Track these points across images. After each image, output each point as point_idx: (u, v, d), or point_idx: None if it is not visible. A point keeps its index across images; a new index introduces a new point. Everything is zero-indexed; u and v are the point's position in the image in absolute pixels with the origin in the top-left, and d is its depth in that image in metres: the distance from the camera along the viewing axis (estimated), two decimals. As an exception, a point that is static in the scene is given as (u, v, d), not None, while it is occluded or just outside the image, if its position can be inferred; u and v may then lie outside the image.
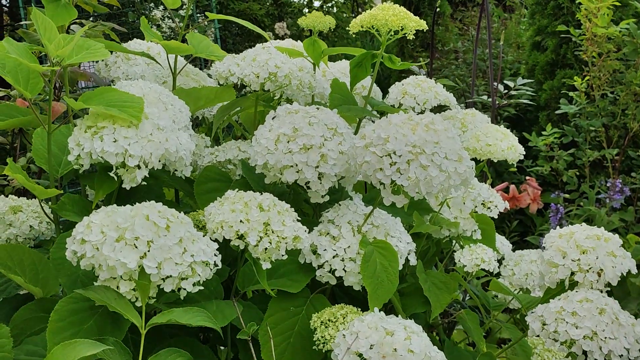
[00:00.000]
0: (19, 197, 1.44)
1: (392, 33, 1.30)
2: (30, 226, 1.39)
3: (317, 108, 1.21)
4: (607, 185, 2.89)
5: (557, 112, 3.41)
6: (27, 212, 1.40)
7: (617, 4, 2.95)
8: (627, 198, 2.95)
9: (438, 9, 4.46)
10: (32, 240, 1.41)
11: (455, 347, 1.42)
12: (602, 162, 3.31)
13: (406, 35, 1.29)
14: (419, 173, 1.01)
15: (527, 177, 3.27)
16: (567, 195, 3.19)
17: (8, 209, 1.39)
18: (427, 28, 1.29)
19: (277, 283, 1.17)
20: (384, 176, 1.03)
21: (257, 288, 1.18)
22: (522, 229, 3.59)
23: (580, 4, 3.07)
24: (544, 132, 3.29)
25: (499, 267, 1.46)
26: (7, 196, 1.43)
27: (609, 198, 2.84)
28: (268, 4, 9.14)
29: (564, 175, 3.26)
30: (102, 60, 1.56)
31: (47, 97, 1.89)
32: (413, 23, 1.28)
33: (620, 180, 2.87)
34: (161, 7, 4.60)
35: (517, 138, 1.47)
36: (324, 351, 1.07)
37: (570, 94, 3.22)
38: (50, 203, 1.24)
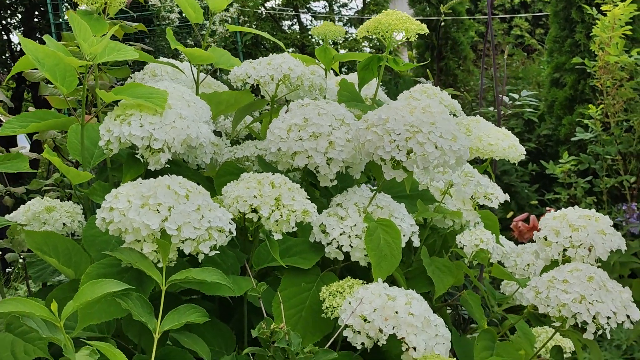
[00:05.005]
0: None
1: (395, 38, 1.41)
2: (64, 224, 1.49)
3: (327, 102, 1.31)
4: (623, 209, 2.94)
5: (572, 139, 3.48)
6: (60, 211, 1.50)
7: (629, 33, 3.05)
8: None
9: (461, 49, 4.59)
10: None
11: (462, 337, 1.49)
12: (620, 190, 3.36)
13: (409, 38, 1.40)
14: (416, 149, 1.11)
15: (547, 208, 3.33)
16: (585, 223, 3.23)
17: (43, 208, 1.50)
18: (428, 32, 1.40)
19: (290, 260, 1.26)
20: (384, 152, 1.12)
21: (271, 264, 1.27)
22: (543, 259, 3.63)
23: (595, 36, 3.18)
24: (560, 160, 3.37)
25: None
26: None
27: (625, 221, 2.89)
28: (291, 51, 9.38)
29: (582, 203, 3.31)
30: (131, 77, 1.69)
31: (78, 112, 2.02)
32: (414, 26, 1.39)
33: (637, 204, 2.92)
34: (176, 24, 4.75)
35: (517, 139, 1.56)
36: (332, 319, 1.15)
37: (585, 121, 3.30)
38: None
